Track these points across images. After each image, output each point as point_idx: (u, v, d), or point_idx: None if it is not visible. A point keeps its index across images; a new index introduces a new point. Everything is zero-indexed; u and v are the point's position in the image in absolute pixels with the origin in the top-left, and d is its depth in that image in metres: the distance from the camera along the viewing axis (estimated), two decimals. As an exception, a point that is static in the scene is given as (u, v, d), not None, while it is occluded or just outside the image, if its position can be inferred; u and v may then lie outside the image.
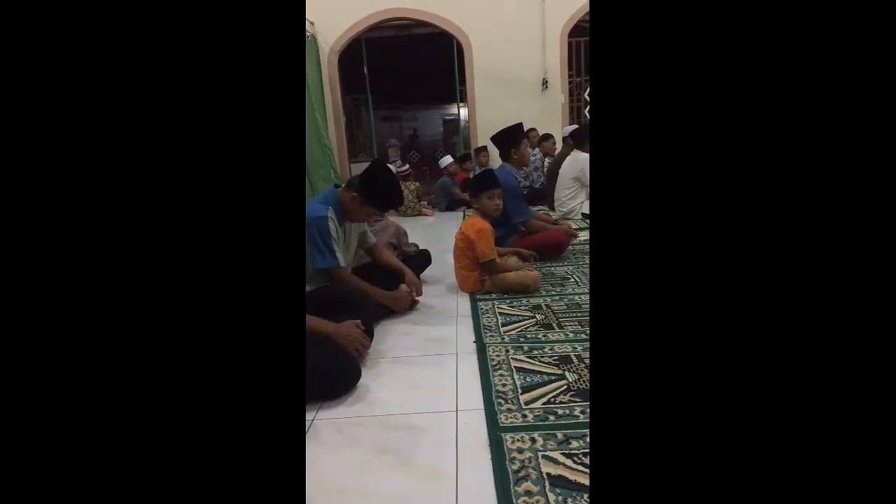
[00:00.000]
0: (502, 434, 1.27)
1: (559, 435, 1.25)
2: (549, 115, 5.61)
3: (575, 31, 6.17)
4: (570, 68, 6.33)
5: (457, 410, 1.43)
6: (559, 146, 5.16)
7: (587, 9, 5.61)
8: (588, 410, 1.35)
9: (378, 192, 2.06)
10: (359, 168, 5.59)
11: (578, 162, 4.08)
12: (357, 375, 1.60)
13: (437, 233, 4.11)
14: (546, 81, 5.78)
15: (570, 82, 6.42)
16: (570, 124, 5.76)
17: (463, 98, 6.35)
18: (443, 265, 2.86)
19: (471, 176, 5.20)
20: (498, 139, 2.98)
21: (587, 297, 2.26)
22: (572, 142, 4.30)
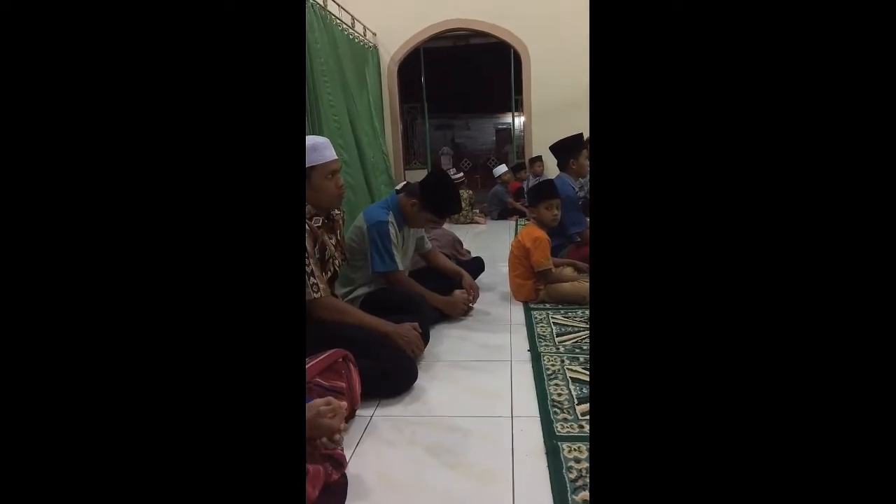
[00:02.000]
0: (559, 443, 1.27)
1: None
2: (606, 126, 5.50)
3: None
4: (629, 78, 6.16)
5: (512, 417, 1.44)
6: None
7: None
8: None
9: (437, 200, 2.11)
10: (412, 175, 5.68)
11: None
12: (414, 376, 1.64)
13: (489, 241, 4.13)
14: (604, 92, 5.70)
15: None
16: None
17: (518, 107, 6.34)
18: (495, 273, 2.87)
19: (524, 185, 5.18)
20: (557, 148, 2.98)
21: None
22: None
